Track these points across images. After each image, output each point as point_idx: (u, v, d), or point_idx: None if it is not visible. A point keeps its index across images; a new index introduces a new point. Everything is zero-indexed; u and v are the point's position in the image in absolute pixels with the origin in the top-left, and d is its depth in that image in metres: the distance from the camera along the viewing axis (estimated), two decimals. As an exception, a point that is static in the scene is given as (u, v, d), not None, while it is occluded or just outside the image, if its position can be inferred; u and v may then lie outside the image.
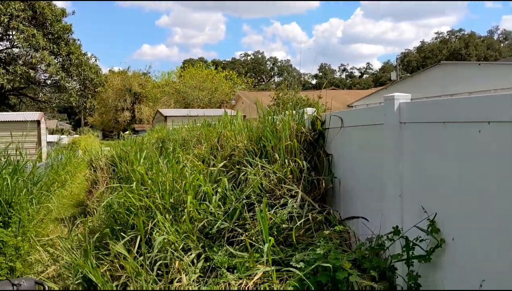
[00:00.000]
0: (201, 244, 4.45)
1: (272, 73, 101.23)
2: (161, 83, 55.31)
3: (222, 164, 5.31)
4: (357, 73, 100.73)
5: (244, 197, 4.60)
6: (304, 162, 4.71)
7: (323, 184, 4.67)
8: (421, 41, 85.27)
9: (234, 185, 4.99)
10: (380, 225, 3.81)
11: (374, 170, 3.99)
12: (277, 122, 5.31)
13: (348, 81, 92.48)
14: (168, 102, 47.02)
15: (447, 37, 76.16)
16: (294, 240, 3.98)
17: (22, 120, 16.31)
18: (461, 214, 2.93)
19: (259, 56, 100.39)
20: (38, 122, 17.03)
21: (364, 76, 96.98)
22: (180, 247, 4.36)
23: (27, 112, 20.28)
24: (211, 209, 4.62)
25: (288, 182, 4.63)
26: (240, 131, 5.98)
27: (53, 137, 23.11)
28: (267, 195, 4.61)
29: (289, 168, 4.73)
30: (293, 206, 4.34)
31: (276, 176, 4.65)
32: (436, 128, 3.17)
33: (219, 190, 4.87)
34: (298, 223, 4.13)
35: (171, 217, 4.82)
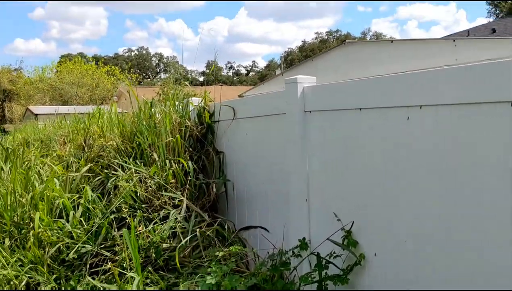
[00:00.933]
0: (54, 276, 3.35)
1: (158, 69, 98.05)
2: (34, 79, 50.04)
3: (86, 168, 4.20)
4: (243, 71, 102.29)
5: (113, 210, 3.59)
6: (189, 163, 3.84)
7: (214, 189, 3.86)
8: (302, 41, 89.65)
9: (101, 194, 3.94)
10: (283, 236, 3.11)
11: (275, 169, 3.29)
12: (157, 115, 4.37)
13: (235, 78, 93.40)
14: (42, 99, 42.62)
15: (326, 37, 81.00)
16: (178, 264, 3.10)
17: None
18: (385, 222, 2.32)
19: (144, 52, 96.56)
20: None
21: (250, 74, 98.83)
22: (23, 283, 3.22)
23: None
24: (69, 228, 3.52)
25: (170, 188, 3.73)
26: (112, 127, 4.90)
27: None
28: (143, 206, 3.66)
29: (171, 171, 3.83)
30: (176, 218, 3.46)
31: (154, 181, 3.71)
32: (350, 116, 2.53)
33: (82, 201, 3.78)
34: (184, 241, 3.26)
35: (13, 241, 3.62)
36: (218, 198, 3.99)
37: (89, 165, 4.25)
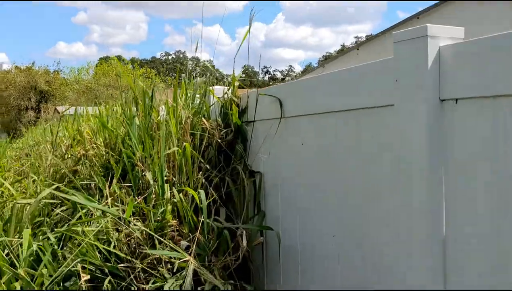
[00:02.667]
0: None
1: (194, 74, 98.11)
2: (70, 80, 50.45)
3: (44, 194, 2.64)
4: (279, 76, 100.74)
5: (67, 274, 2.02)
6: (202, 193, 2.22)
7: (244, 239, 2.21)
8: (341, 45, 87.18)
9: (61, 239, 2.38)
10: None
11: (367, 213, 1.63)
12: (161, 112, 2.81)
13: (271, 83, 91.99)
14: (78, 100, 42.70)
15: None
16: None
17: None
18: None
19: (181, 56, 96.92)
20: None
21: (287, 78, 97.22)
22: None
23: None
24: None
25: (165, 240, 2.12)
26: (101, 130, 3.35)
27: None
28: (120, 267, 2.07)
29: (171, 205, 2.23)
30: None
31: (137, 227, 2.12)
32: None
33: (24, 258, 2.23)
34: None
35: None
36: (251, 253, 2.36)
37: (51, 188, 2.70)
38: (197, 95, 2.95)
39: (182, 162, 2.43)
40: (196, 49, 3.08)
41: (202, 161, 2.54)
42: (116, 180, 2.55)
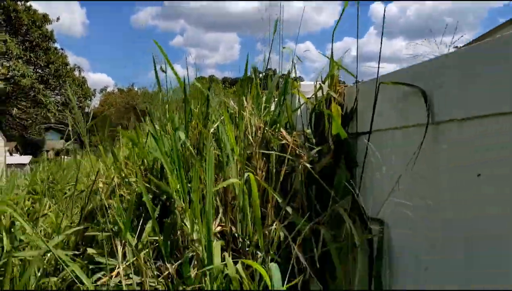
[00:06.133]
0: None
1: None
2: (165, 101, 53.18)
3: (69, 232, 1.80)
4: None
5: None
6: (275, 268, 1.20)
7: None
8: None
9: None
10: None
11: None
12: (212, 115, 1.86)
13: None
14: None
15: (468, 50, 73.12)
16: None
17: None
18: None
19: (271, 73, 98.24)
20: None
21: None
22: None
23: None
24: None
25: None
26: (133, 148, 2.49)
27: (22, 159, 19.79)
28: None
29: (224, 281, 1.24)
30: None
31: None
32: None
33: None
34: None
35: None
36: None
37: (78, 227, 1.87)
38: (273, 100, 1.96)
39: (245, 202, 1.43)
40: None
41: (280, 199, 1.52)
42: (150, 227, 1.63)
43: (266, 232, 1.44)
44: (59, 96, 25.54)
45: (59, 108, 23.91)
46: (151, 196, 1.82)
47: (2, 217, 2.49)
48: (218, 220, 1.47)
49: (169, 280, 1.37)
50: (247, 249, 1.45)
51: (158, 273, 1.41)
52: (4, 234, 2.21)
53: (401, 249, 1.34)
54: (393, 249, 1.37)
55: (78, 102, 26.49)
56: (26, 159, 19.91)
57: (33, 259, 1.77)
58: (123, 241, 1.55)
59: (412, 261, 1.27)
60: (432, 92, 1.18)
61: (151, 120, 1.88)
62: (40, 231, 2.31)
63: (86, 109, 27.92)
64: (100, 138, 2.64)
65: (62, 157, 10.59)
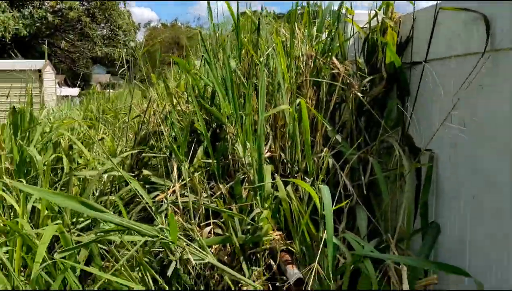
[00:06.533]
0: None
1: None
2: (207, 36, 52.81)
3: (126, 154, 1.93)
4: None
5: None
6: (325, 190, 1.24)
7: (404, 279, 1.19)
8: None
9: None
10: None
11: None
12: (262, 45, 1.85)
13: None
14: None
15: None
16: None
17: (20, 70, 13.75)
18: None
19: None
20: (39, 72, 14.41)
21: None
22: None
23: (29, 61, 17.85)
24: None
25: (263, 258, 1.22)
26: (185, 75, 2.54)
27: (72, 91, 20.54)
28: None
29: (274, 202, 1.30)
30: None
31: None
32: None
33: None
34: None
35: None
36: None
37: (133, 150, 1.99)
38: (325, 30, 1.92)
39: (295, 129, 1.46)
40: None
41: (330, 127, 1.54)
42: (202, 151, 1.71)
43: (315, 159, 1.48)
44: (105, 30, 25.84)
45: (105, 42, 24.33)
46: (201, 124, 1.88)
47: (62, 141, 2.66)
48: (268, 147, 1.52)
49: (222, 199, 1.46)
50: (295, 174, 1.50)
51: (212, 193, 1.50)
52: (64, 156, 2.37)
53: (449, 178, 1.34)
54: (441, 179, 1.38)
55: (123, 36, 26.78)
56: (75, 91, 20.66)
57: (93, 179, 1.91)
58: (177, 163, 1.63)
59: (460, 188, 1.28)
60: (495, 18, 1.12)
61: (204, 46, 1.89)
62: (98, 154, 2.47)
63: (132, 44, 28.14)
64: (152, 67, 2.70)
65: (109, 90, 10.89)
